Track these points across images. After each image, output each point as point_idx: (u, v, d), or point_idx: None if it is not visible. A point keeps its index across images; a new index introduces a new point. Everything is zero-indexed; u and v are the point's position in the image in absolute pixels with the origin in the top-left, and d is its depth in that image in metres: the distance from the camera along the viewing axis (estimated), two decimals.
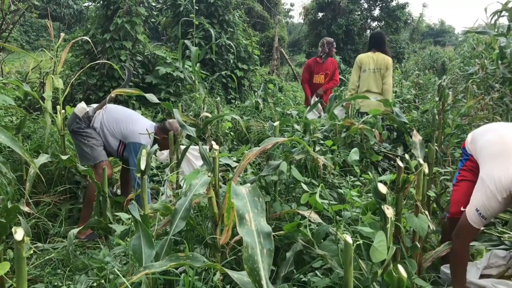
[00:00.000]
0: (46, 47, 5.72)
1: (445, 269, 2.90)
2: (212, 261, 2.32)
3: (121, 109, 4.03)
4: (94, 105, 3.86)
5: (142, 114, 6.27)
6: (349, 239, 1.38)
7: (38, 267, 2.98)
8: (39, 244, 3.28)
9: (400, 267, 1.23)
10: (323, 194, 2.05)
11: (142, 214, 1.87)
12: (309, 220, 2.27)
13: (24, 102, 6.74)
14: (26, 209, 2.14)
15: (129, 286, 1.36)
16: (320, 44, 7.15)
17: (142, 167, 1.84)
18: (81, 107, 3.75)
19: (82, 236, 3.54)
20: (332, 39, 7.21)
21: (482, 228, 3.61)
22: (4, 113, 5.56)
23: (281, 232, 2.13)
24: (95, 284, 2.07)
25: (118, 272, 1.85)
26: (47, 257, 2.87)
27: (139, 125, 3.85)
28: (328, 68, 7.12)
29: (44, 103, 4.12)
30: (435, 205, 3.46)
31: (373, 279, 1.83)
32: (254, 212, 1.34)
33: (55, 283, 2.66)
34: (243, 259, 1.20)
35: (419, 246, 2.47)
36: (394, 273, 1.22)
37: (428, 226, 2.38)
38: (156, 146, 2.94)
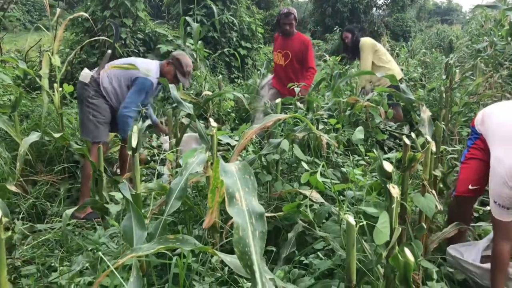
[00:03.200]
0: (49, 26, 5.61)
1: (452, 250, 2.81)
2: (211, 242, 2.24)
3: (123, 59, 4.03)
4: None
5: None
6: (351, 219, 1.29)
7: (35, 247, 2.92)
8: (37, 225, 3.22)
9: (407, 250, 1.14)
10: (325, 173, 1.95)
11: (134, 193, 1.78)
12: (311, 200, 2.18)
13: (24, 81, 6.63)
14: (13, 188, 2.06)
15: (113, 270, 1.28)
16: None
17: (134, 144, 1.75)
18: (85, 73, 3.70)
19: (81, 216, 3.47)
20: (288, 9, 5.51)
21: (489, 208, 3.53)
22: (3, 92, 5.47)
23: (280, 213, 2.05)
24: (87, 265, 2.00)
25: (107, 254, 1.77)
26: (43, 238, 2.80)
27: (141, 65, 3.78)
28: (290, 46, 5.34)
29: (41, 81, 4.02)
30: (441, 185, 3.36)
31: (377, 261, 1.74)
32: (245, 190, 1.24)
33: (52, 264, 2.60)
34: (233, 242, 1.10)
35: (425, 227, 2.38)
36: (400, 257, 1.13)
37: (436, 206, 2.28)
38: (148, 122, 2.83)
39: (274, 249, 2.53)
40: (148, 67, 3.76)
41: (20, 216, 3.24)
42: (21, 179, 2.49)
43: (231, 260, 1.32)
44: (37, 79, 4.02)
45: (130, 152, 1.77)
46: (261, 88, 5.71)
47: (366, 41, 5.92)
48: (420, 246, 2.26)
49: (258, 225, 1.15)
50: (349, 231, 1.28)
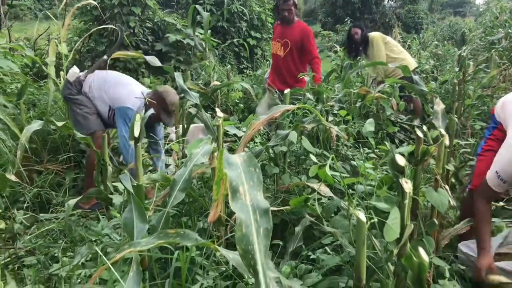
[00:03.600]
0: (59, 15, 5.59)
1: (463, 247, 2.73)
2: (216, 236, 2.19)
3: (112, 73, 3.80)
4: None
5: (151, 83, 6.10)
6: (362, 216, 1.21)
7: (39, 237, 2.89)
8: (41, 215, 3.18)
9: (421, 250, 1.07)
10: (334, 166, 1.88)
11: (135, 185, 1.72)
12: (319, 194, 2.10)
13: (32, 69, 6.60)
14: (12, 178, 2.02)
15: (110, 266, 1.23)
16: None
17: (136, 133, 1.69)
18: (72, 72, 3.59)
19: (86, 206, 3.43)
20: None
21: (502, 204, 3.45)
22: (11, 80, 5.44)
23: (287, 207, 1.98)
24: (90, 257, 1.95)
25: (109, 246, 1.71)
26: (46, 228, 2.77)
27: (126, 88, 3.60)
28: (290, 35, 4.94)
29: (47, 69, 3.98)
30: (453, 180, 3.27)
31: (388, 259, 1.67)
32: (250, 184, 1.16)
33: (55, 254, 2.57)
34: (236, 239, 1.03)
35: (437, 223, 2.31)
36: (414, 257, 1.06)
37: (449, 201, 2.20)
38: (151, 111, 2.75)
39: (281, 243, 2.47)
40: (130, 98, 3.53)
41: (25, 205, 3.21)
42: (21, 168, 2.44)
43: (234, 256, 1.26)
44: (44, 67, 3.97)
45: (132, 142, 1.72)
46: (265, 80, 5.57)
47: (376, 35, 5.82)
48: (432, 243, 2.19)
49: (263, 221, 1.08)
50: (359, 228, 1.22)
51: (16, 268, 2.43)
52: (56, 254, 2.56)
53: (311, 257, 2.19)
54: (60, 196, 3.53)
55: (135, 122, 1.69)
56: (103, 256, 1.28)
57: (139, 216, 1.57)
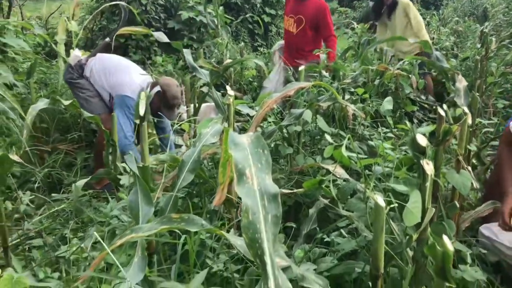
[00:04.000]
0: None
1: (485, 230, 2.63)
2: (227, 218, 2.12)
3: (114, 58, 3.70)
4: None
5: (163, 61, 6.00)
6: (381, 200, 1.12)
7: (50, 218, 2.86)
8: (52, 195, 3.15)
9: (445, 238, 0.97)
10: (351, 147, 1.78)
11: (141, 166, 1.64)
12: (334, 176, 2.01)
13: (45, 48, 6.55)
14: (15, 158, 1.96)
15: (110, 253, 1.16)
16: None
17: (141, 112, 1.61)
18: (74, 55, 3.50)
19: (97, 187, 3.39)
20: None
21: None
22: (23, 59, 5.40)
23: (301, 189, 1.89)
24: (97, 239, 1.89)
25: (118, 228, 1.65)
26: (56, 208, 2.73)
27: (126, 75, 3.48)
28: (305, 11, 4.64)
29: (57, 47, 3.91)
30: (475, 161, 3.14)
31: (407, 244, 1.58)
32: (257, 167, 1.05)
33: (66, 235, 2.53)
34: (242, 227, 0.94)
35: (458, 205, 2.20)
36: (437, 246, 0.97)
37: (471, 183, 2.09)
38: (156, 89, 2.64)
39: (294, 226, 2.40)
40: (130, 85, 3.40)
41: (36, 186, 3.18)
42: (27, 148, 2.39)
43: (242, 244, 1.18)
44: (53, 45, 3.91)
45: (137, 121, 1.64)
46: (273, 54, 5.31)
47: (409, 1, 5.48)
48: (453, 226, 2.08)
49: (272, 207, 0.99)
50: (377, 214, 1.12)
51: (26, 250, 2.41)
52: (66, 235, 2.52)
53: (325, 240, 2.11)
54: (71, 176, 3.49)
55: (140, 100, 1.61)
56: (103, 242, 1.21)
57: (145, 198, 1.49)
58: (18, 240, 2.38)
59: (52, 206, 2.97)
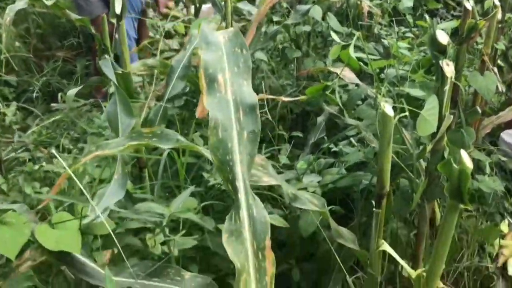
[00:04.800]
0: None
1: (506, 136, 2.46)
2: None
3: None
4: None
5: None
6: (389, 109, 0.95)
7: (49, 128, 2.77)
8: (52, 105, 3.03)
9: (463, 154, 0.81)
10: (363, 47, 1.56)
11: (120, 72, 1.46)
12: (343, 80, 1.81)
13: None
14: None
15: (71, 173, 1.03)
16: None
17: (117, 9, 1.40)
18: None
19: (98, 96, 3.25)
20: None
21: None
22: None
23: (303, 96, 1.70)
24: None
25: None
26: (51, 119, 2.63)
27: None
28: None
29: None
30: (501, 62, 2.88)
31: (420, 156, 1.42)
32: (233, 71, 0.84)
33: (66, 146, 2.45)
34: (209, 146, 0.77)
35: (480, 111, 2.01)
36: (453, 164, 0.81)
37: (496, 87, 1.88)
38: None
39: (301, 135, 2.26)
40: None
41: (34, 95, 3.06)
42: (7, 55, 2.22)
43: None
44: None
45: (114, 20, 1.44)
46: None
47: None
48: (472, 134, 1.90)
49: (248, 121, 0.80)
50: (384, 124, 0.95)
51: (27, 160, 2.33)
52: (67, 146, 2.44)
53: (332, 150, 1.97)
54: (72, 85, 3.34)
55: None
56: (61, 161, 1.08)
57: (125, 109, 1.34)
58: (14, 153, 2.29)
59: (51, 116, 2.87)
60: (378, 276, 1.11)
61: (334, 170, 1.79)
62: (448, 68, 1.39)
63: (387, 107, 0.94)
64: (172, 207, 1.09)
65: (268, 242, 0.68)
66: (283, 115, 2.41)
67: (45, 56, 3.49)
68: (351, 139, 2.01)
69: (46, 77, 3.28)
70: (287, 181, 1.72)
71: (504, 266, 2.00)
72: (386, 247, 1.05)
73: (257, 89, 2.39)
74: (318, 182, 1.71)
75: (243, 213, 0.71)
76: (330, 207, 1.82)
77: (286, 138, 2.24)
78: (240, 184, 0.74)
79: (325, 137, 2.12)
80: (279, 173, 1.87)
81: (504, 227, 2.16)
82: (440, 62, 1.38)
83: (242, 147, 0.75)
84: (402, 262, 1.05)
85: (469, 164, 0.82)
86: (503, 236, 2.11)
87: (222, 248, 1.47)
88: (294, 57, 2.48)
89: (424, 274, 0.97)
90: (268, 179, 0.93)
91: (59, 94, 2.86)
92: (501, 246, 2.05)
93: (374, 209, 1.03)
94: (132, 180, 1.51)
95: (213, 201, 1.54)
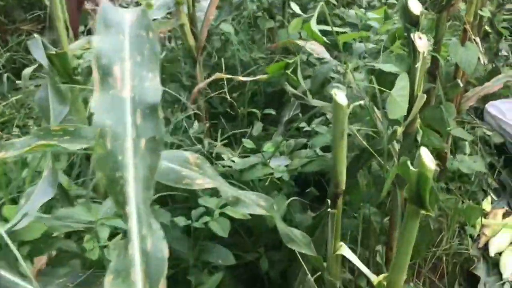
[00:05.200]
0: None
1: (491, 108, 2.35)
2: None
3: None
4: None
5: None
6: (341, 97, 0.82)
7: (13, 108, 2.62)
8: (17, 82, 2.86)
9: (424, 152, 0.68)
10: (327, 19, 1.41)
11: (54, 53, 1.30)
12: (312, 54, 1.66)
13: None
14: None
15: None
16: None
17: None
18: None
19: None
20: None
21: None
22: None
23: (263, 76, 1.56)
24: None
25: None
26: (12, 98, 2.48)
27: None
28: None
29: None
30: (487, 28, 2.72)
31: (391, 139, 1.30)
32: (135, 61, 0.65)
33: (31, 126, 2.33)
34: (93, 161, 0.61)
35: (461, 84, 1.88)
36: (410, 167, 0.68)
37: (478, 58, 1.75)
38: None
39: (274, 112, 2.12)
40: None
41: None
42: None
43: None
44: None
45: None
46: None
47: None
48: (452, 110, 1.78)
49: (147, 126, 0.60)
50: (336, 115, 0.82)
51: None
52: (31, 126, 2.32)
53: (304, 129, 1.83)
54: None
55: None
56: None
57: (56, 95, 1.18)
58: None
59: (16, 94, 2.71)
60: (337, 282, 1.00)
61: (304, 152, 1.67)
62: (421, 42, 1.25)
63: (339, 95, 0.81)
64: (100, 213, 0.96)
65: (163, 283, 0.54)
66: (256, 91, 2.28)
67: (9, 30, 3.28)
68: (327, 116, 1.87)
69: (10, 53, 3.09)
70: (253, 166, 1.61)
71: (486, 247, 1.93)
72: (344, 251, 0.94)
73: (227, 63, 2.25)
74: (286, 166, 1.59)
75: (134, 247, 0.55)
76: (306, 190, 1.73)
77: (258, 116, 2.11)
78: (131, 209, 0.57)
79: (300, 114, 1.99)
80: (245, 156, 1.76)
81: (486, 205, 2.08)
82: (412, 35, 1.24)
83: (138, 159, 0.58)
84: (363, 268, 0.94)
85: (430, 165, 0.69)
86: (485, 215, 2.02)
87: (178, 244, 1.39)
88: (267, 27, 2.32)
89: (385, 283, 0.86)
90: (202, 181, 0.80)
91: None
92: (482, 226, 1.97)
93: (329, 209, 0.91)
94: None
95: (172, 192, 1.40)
